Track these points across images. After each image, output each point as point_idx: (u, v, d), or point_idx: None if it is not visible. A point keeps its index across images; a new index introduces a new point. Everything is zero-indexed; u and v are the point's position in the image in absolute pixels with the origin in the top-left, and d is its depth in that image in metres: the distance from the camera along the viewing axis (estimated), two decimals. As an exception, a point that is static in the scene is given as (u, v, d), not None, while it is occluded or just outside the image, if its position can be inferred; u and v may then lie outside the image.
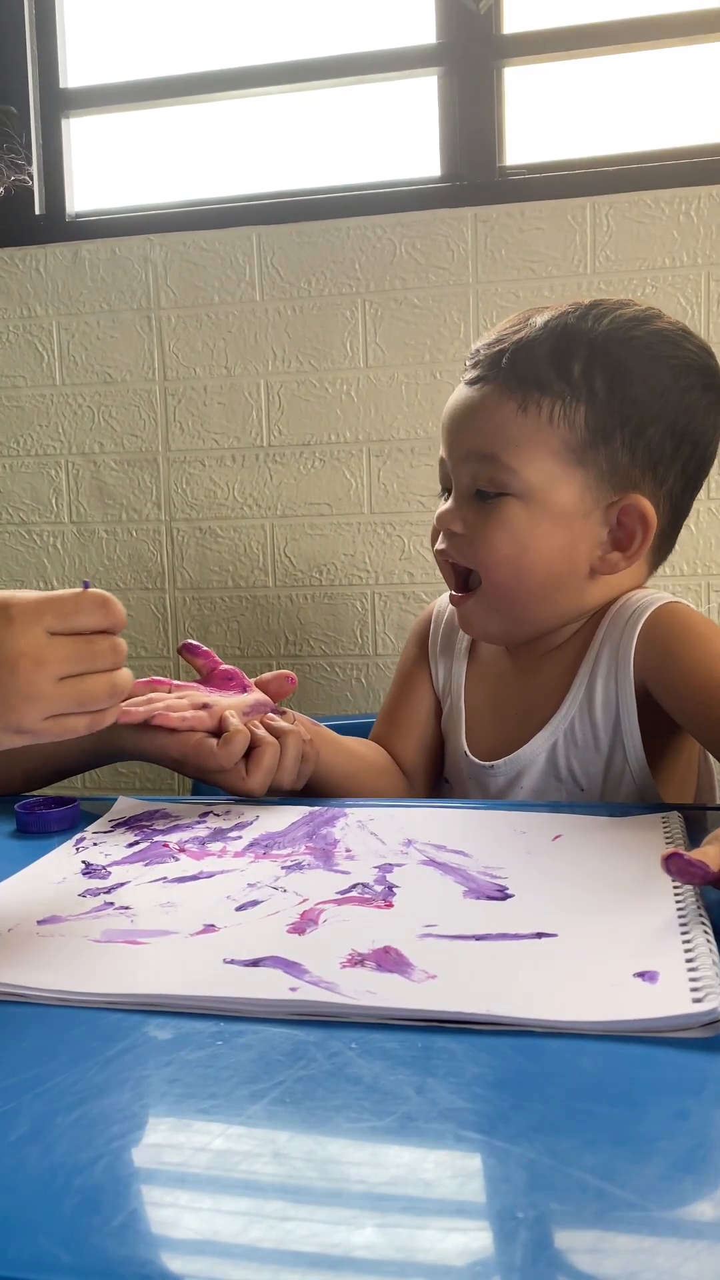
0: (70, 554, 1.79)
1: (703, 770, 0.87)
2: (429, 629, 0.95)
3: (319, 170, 1.73)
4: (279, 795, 0.81)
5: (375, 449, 1.65)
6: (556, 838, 0.65)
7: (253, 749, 0.76)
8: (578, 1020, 0.41)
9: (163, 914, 0.55)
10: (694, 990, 0.42)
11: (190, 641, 0.84)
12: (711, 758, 0.83)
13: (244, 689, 0.83)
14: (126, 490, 1.75)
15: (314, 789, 0.84)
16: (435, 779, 0.94)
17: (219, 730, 0.77)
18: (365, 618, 1.68)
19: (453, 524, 0.82)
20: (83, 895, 0.59)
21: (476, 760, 0.86)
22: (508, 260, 1.57)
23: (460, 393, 0.84)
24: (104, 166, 1.83)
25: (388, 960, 0.47)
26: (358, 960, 0.48)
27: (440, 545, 0.84)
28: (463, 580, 0.84)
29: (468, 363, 0.85)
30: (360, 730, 1.19)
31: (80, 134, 1.80)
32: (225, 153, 1.79)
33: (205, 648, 0.84)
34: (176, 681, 0.84)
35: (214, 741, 0.76)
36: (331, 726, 1.33)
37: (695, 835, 0.65)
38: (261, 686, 0.83)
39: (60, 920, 0.55)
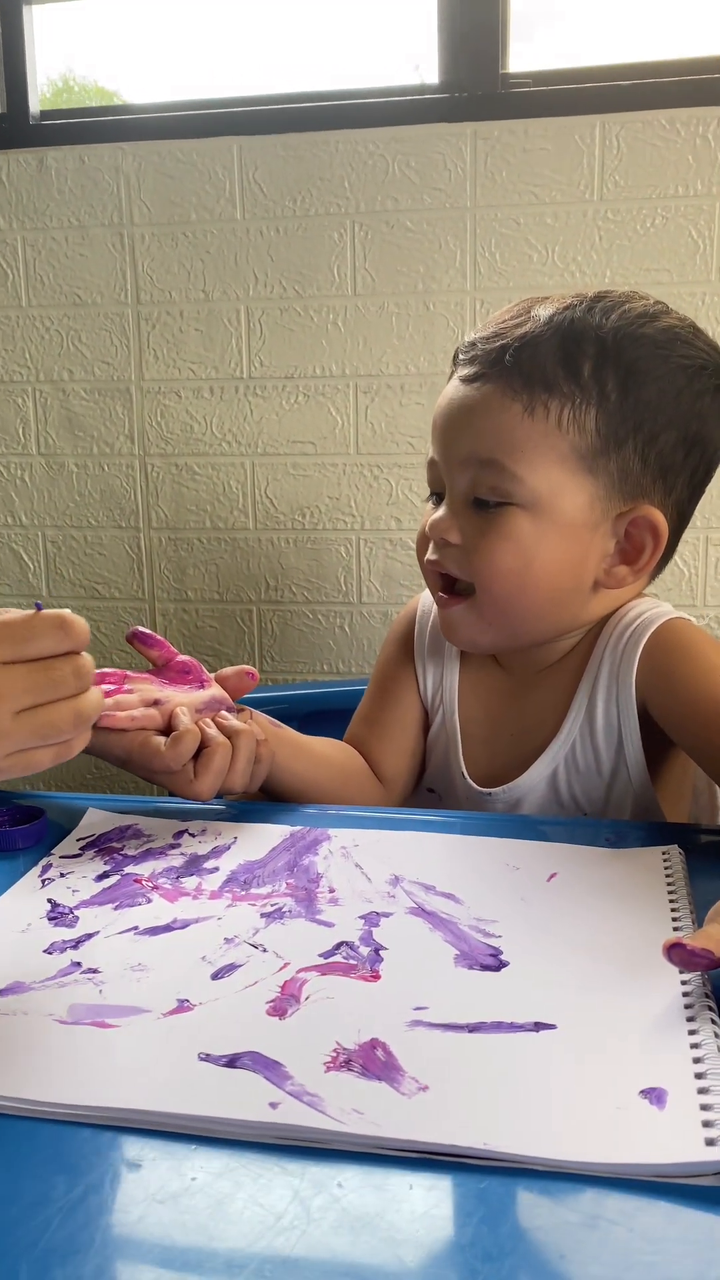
0: (39, 488, 1.71)
1: (701, 784, 0.83)
2: (413, 629, 0.88)
3: (307, 73, 1.59)
4: (229, 798, 0.77)
5: (363, 384, 1.56)
6: (551, 877, 0.61)
7: (202, 749, 0.71)
8: (579, 1161, 0.38)
9: (134, 981, 0.51)
10: (706, 1125, 0.39)
11: (140, 629, 0.76)
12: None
13: (201, 684, 0.76)
14: (97, 421, 1.66)
15: (271, 794, 0.79)
16: (415, 787, 0.89)
17: (169, 729, 0.72)
18: (350, 564, 1.62)
19: (448, 534, 0.76)
20: (49, 951, 0.55)
21: (476, 786, 0.81)
22: (508, 183, 1.46)
23: (456, 390, 0.77)
24: (71, 61, 1.69)
25: (375, 1062, 0.44)
26: (343, 1061, 0.44)
27: (431, 556, 0.78)
28: (451, 584, 0.78)
29: (461, 356, 0.78)
30: (347, 698, 1.15)
31: (44, 23, 1.65)
32: (205, 50, 1.65)
33: (158, 636, 0.77)
34: (130, 673, 0.77)
35: (160, 741, 0.71)
36: (316, 694, 1.29)
37: (697, 861, 0.62)
38: (221, 682, 0.77)
39: (24, 989, 0.51)
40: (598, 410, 0.73)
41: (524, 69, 1.48)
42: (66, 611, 0.53)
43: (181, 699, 0.74)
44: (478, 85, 1.46)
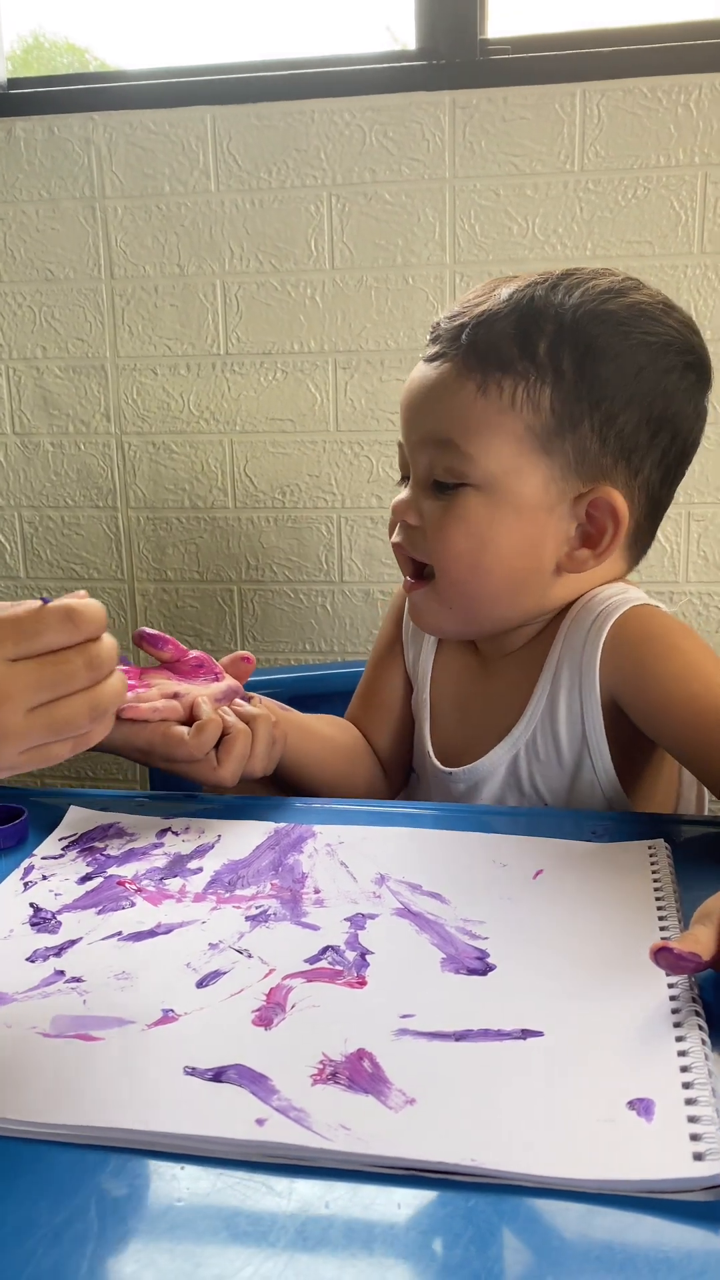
0: (14, 468, 1.68)
1: (680, 779, 0.83)
2: (404, 607, 0.88)
3: (280, 41, 1.55)
4: (249, 781, 0.77)
5: (342, 360, 1.54)
6: (538, 874, 0.61)
7: (223, 737, 0.73)
8: (567, 1177, 0.38)
9: (118, 991, 0.51)
10: (694, 1139, 0.39)
11: (147, 631, 0.77)
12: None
13: (215, 677, 0.78)
14: (73, 400, 1.63)
15: (281, 774, 0.80)
16: (408, 763, 0.89)
17: (189, 719, 0.73)
18: (331, 543, 1.60)
19: (408, 515, 0.75)
20: (31, 959, 0.54)
21: (439, 764, 0.81)
22: (488, 152, 1.43)
23: (419, 371, 0.76)
24: (41, 18, 1.64)
25: (362, 1074, 0.44)
26: (329, 1073, 0.44)
27: (396, 538, 0.77)
28: (419, 569, 0.77)
29: (428, 337, 0.76)
30: (332, 681, 1.14)
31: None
32: (178, 14, 1.61)
33: (165, 635, 0.77)
34: (145, 669, 0.79)
35: (184, 731, 0.72)
36: (303, 677, 1.28)
37: (682, 853, 0.62)
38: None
39: (6, 1000, 0.50)
40: (553, 389, 0.71)
41: (503, 34, 1.45)
42: (75, 601, 0.51)
43: (199, 690, 0.76)
44: (456, 52, 1.43)
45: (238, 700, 0.77)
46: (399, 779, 0.90)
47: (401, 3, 1.46)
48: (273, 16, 1.59)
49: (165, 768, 0.74)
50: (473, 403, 0.72)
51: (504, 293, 0.74)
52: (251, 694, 0.80)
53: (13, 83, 1.59)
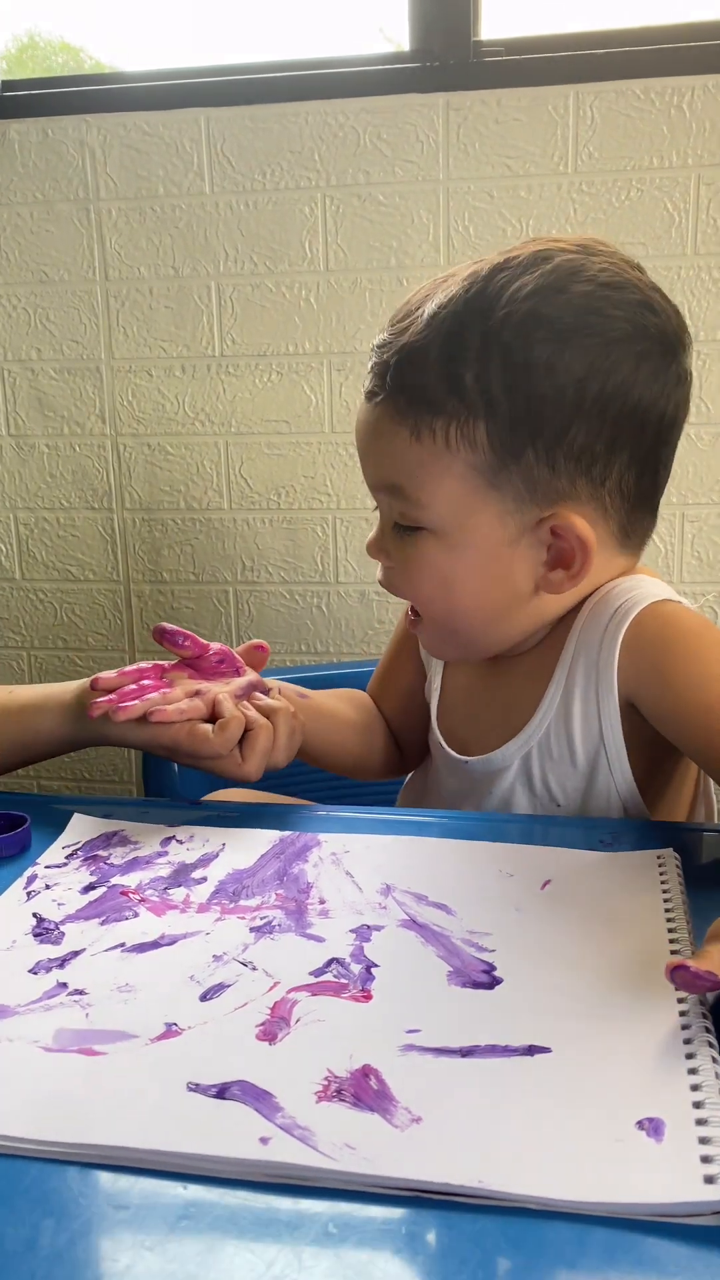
0: (10, 469, 1.67)
1: (702, 781, 0.81)
2: None
3: (274, 43, 1.55)
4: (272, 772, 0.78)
5: (337, 362, 1.54)
6: (545, 884, 0.60)
7: (246, 733, 0.74)
8: (576, 1200, 0.38)
9: (121, 1003, 0.51)
10: (705, 1161, 0.39)
11: (167, 626, 0.78)
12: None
13: (237, 671, 0.79)
14: (68, 401, 1.63)
15: (302, 759, 0.82)
16: (425, 743, 0.89)
17: (212, 717, 0.74)
18: (326, 544, 1.60)
19: (379, 556, 0.75)
20: (34, 971, 0.54)
21: (451, 751, 0.81)
22: (482, 154, 1.43)
23: (361, 409, 0.73)
24: (36, 17, 1.64)
25: (367, 1091, 0.43)
26: (334, 1090, 0.44)
27: (379, 576, 0.77)
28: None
29: (370, 358, 0.73)
30: (329, 683, 1.14)
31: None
32: (173, 15, 1.60)
33: (185, 631, 0.78)
34: (164, 664, 0.80)
35: (207, 728, 0.73)
36: (299, 678, 1.28)
37: (693, 863, 0.62)
38: None
39: (9, 1013, 0.50)
40: (486, 422, 0.67)
41: (496, 36, 1.45)
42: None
43: (220, 687, 0.77)
44: (449, 54, 1.43)
45: (257, 694, 0.78)
46: (415, 756, 0.91)
47: (395, 5, 1.46)
48: (267, 18, 1.58)
49: (190, 764, 0.75)
50: (409, 449, 0.69)
51: (427, 311, 0.68)
52: (271, 682, 0.80)
53: (7, 85, 1.58)
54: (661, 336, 0.68)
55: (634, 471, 0.70)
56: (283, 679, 1.36)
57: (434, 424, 0.68)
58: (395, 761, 0.91)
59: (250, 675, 0.79)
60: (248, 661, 0.80)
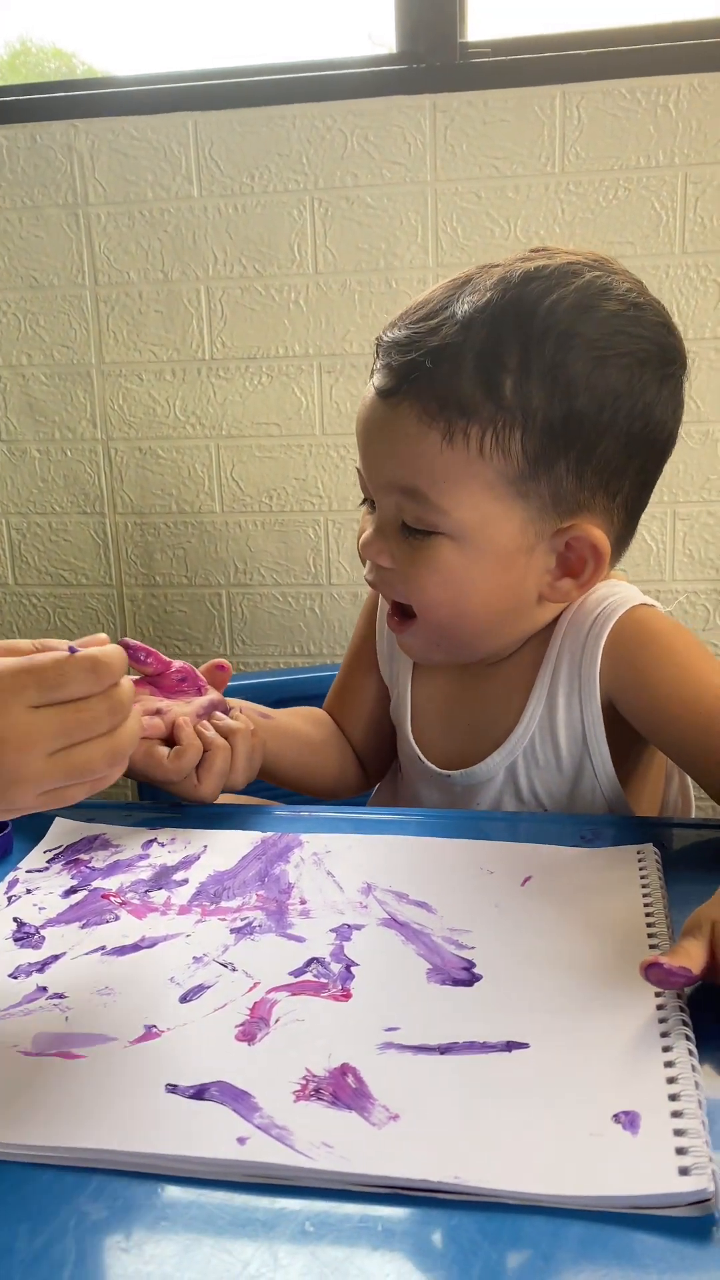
0: (2, 475, 1.67)
1: (672, 768, 0.82)
2: (376, 605, 0.87)
3: (261, 46, 1.55)
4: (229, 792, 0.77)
5: (327, 364, 1.54)
6: (526, 881, 0.60)
7: (204, 754, 0.73)
8: (553, 1194, 0.38)
9: (101, 1007, 0.51)
10: (680, 1153, 0.38)
11: (130, 641, 0.76)
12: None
13: (199, 689, 0.78)
14: (59, 406, 1.63)
15: (261, 777, 0.81)
16: (388, 759, 0.89)
17: (171, 738, 0.73)
18: (319, 545, 1.60)
19: (379, 558, 0.72)
20: (14, 975, 0.54)
21: (433, 766, 0.80)
22: (469, 155, 1.43)
23: (372, 403, 0.70)
24: (29, 23, 1.64)
25: (345, 1090, 0.43)
26: (312, 1089, 0.44)
27: (369, 576, 0.75)
28: (402, 607, 0.75)
29: (378, 355, 0.70)
30: (320, 684, 1.14)
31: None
32: (160, 20, 1.61)
33: (146, 646, 0.77)
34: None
35: (164, 751, 0.72)
36: (291, 680, 1.28)
37: (671, 856, 0.62)
38: None
39: (-13, 1018, 0.50)
40: (523, 431, 0.66)
41: (482, 37, 1.45)
42: (98, 651, 0.51)
43: (180, 709, 0.76)
44: (435, 55, 1.43)
45: (218, 713, 0.77)
46: (377, 771, 0.91)
47: (381, 7, 1.46)
48: (254, 22, 1.59)
49: (145, 782, 0.75)
50: (438, 454, 0.67)
51: (459, 312, 0.66)
52: (232, 702, 0.79)
53: (-7, 89, 1.58)
54: (678, 358, 0.70)
55: (639, 487, 0.72)
56: (275, 680, 1.36)
57: (469, 429, 0.66)
58: (358, 778, 0.90)
59: (212, 694, 0.78)
60: (210, 681, 0.78)
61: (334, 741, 0.89)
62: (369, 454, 0.72)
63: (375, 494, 0.72)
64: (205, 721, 0.75)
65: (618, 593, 0.74)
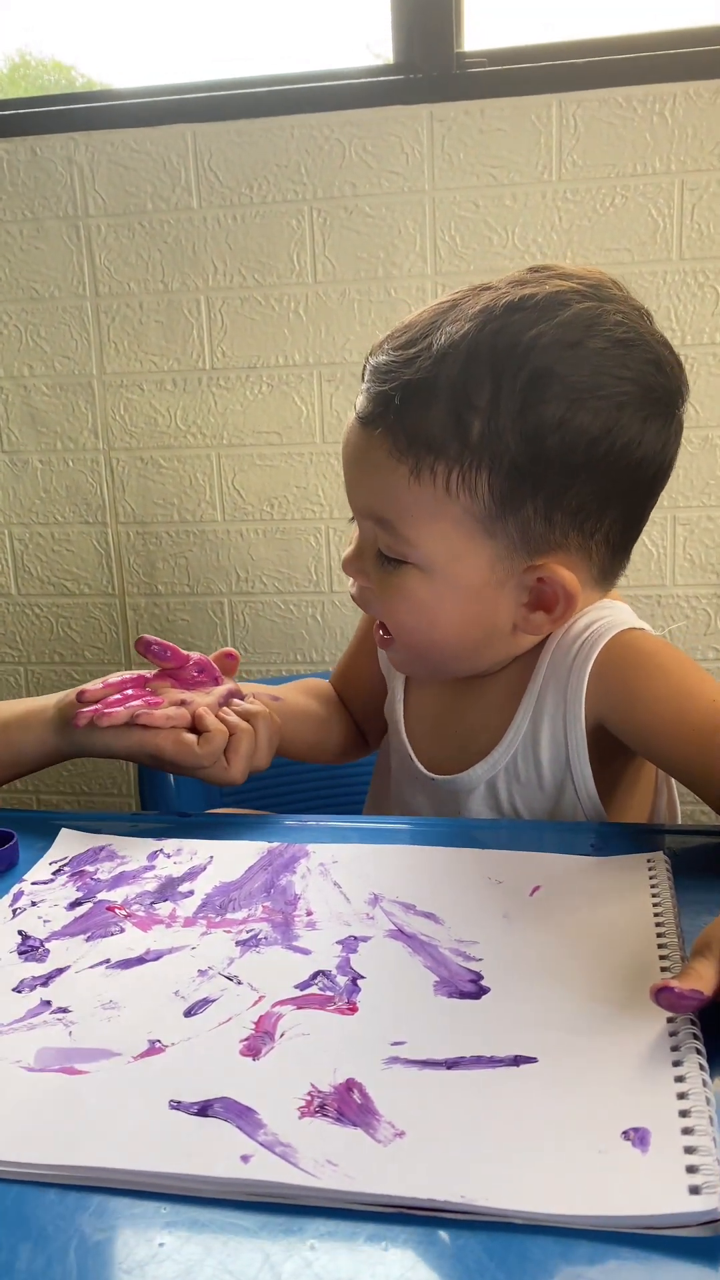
0: (4, 486, 1.68)
1: (661, 779, 0.82)
2: None
3: (260, 58, 1.56)
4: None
5: (326, 372, 1.54)
6: (535, 890, 0.60)
7: (230, 738, 0.76)
8: (560, 1214, 0.37)
9: (105, 1021, 0.50)
10: (690, 1171, 0.38)
11: (149, 638, 0.80)
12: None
13: (216, 680, 0.82)
14: (60, 417, 1.63)
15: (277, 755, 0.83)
16: (384, 729, 0.91)
17: (194, 728, 0.76)
18: (319, 553, 1.60)
19: (357, 576, 0.74)
20: (17, 989, 0.54)
21: (421, 768, 0.81)
22: (466, 164, 1.44)
23: (353, 427, 0.70)
24: (28, 37, 1.64)
25: (350, 1106, 0.43)
26: (317, 1105, 0.43)
27: (352, 591, 0.76)
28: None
29: (363, 377, 0.70)
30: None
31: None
32: (159, 33, 1.61)
33: (167, 643, 0.80)
34: (145, 674, 0.82)
35: (192, 738, 0.75)
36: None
37: (683, 865, 0.61)
38: None
39: (-10, 1034, 0.50)
40: (490, 472, 0.65)
41: (479, 47, 1.45)
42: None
43: (202, 698, 0.79)
44: (432, 65, 1.43)
45: (236, 700, 0.80)
46: (377, 738, 0.94)
47: (378, 17, 1.47)
48: (252, 34, 1.59)
49: (175, 772, 0.77)
50: (406, 488, 0.67)
51: (436, 346, 0.65)
52: (245, 687, 0.83)
53: (-7, 103, 1.59)
54: (666, 396, 0.68)
55: (622, 523, 0.70)
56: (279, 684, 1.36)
57: (435, 466, 0.66)
58: (358, 744, 0.95)
59: (228, 684, 0.81)
60: (221, 669, 0.82)
61: (337, 714, 0.94)
62: (348, 477, 0.73)
63: (355, 515, 0.73)
64: (226, 708, 0.78)
65: (605, 616, 0.73)
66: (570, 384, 0.64)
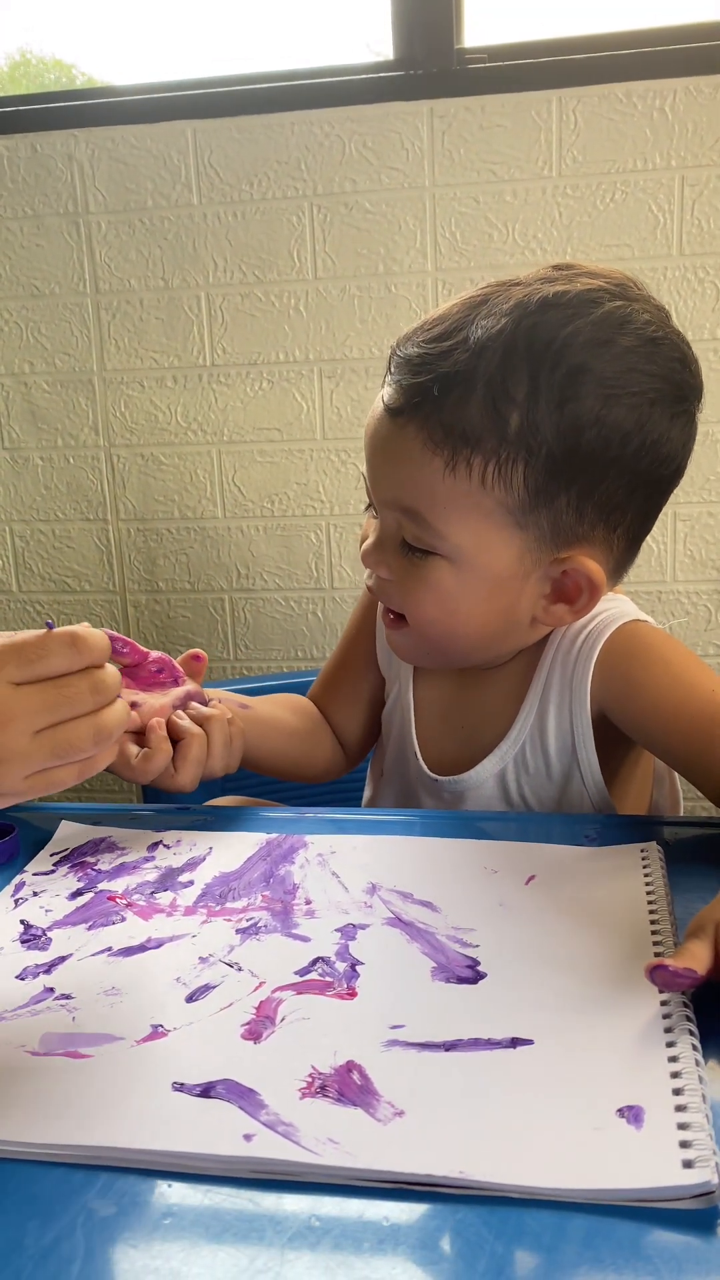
0: (5, 482, 1.68)
1: (661, 769, 0.83)
2: (376, 604, 0.87)
3: (259, 54, 1.56)
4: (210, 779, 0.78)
5: (327, 369, 1.55)
6: (530, 879, 0.61)
7: (178, 743, 0.73)
8: (557, 1188, 0.38)
9: (107, 1007, 0.51)
10: (683, 1146, 0.39)
11: (106, 631, 0.76)
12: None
13: (175, 679, 0.78)
14: (61, 414, 1.64)
15: (243, 766, 0.81)
16: (370, 746, 0.91)
17: (143, 732, 0.73)
18: (320, 550, 1.61)
19: (378, 569, 0.73)
20: (20, 977, 0.54)
21: (427, 770, 0.81)
22: (467, 160, 1.44)
23: (380, 418, 0.70)
24: (29, 35, 1.65)
25: (350, 1087, 0.44)
26: (318, 1086, 0.44)
27: (369, 582, 0.76)
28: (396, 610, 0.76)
29: (390, 369, 0.70)
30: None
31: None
32: (159, 29, 1.62)
33: (124, 638, 0.76)
34: None
35: (134, 750, 0.72)
36: (291, 684, 1.28)
37: (675, 855, 0.62)
38: None
39: (-5, 1019, 0.50)
40: (526, 465, 0.66)
41: (479, 43, 1.46)
42: (80, 628, 0.52)
43: (157, 700, 0.75)
44: (433, 61, 1.44)
45: (195, 703, 0.77)
46: (358, 757, 0.93)
47: (379, 13, 1.47)
48: (252, 30, 1.59)
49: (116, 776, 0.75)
50: (440, 480, 0.67)
51: (473, 338, 0.65)
52: (211, 692, 0.80)
53: (-6, 100, 1.59)
54: (691, 393, 0.69)
55: (642, 516, 0.71)
56: (279, 684, 1.37)
57: (472, 459, 0.66)
58: (339, 762, 0.91)
59: (189, 685, 0.78)
60: (187, 671, 0.78)
61: (316, 730, 0.90)
62: (374, 467, 0.72)
63: (378, 506, 0.73)
64: (180, 711, 0.75)
65: (610, 608, 0.75)
66: (605, 380, 0.65)
